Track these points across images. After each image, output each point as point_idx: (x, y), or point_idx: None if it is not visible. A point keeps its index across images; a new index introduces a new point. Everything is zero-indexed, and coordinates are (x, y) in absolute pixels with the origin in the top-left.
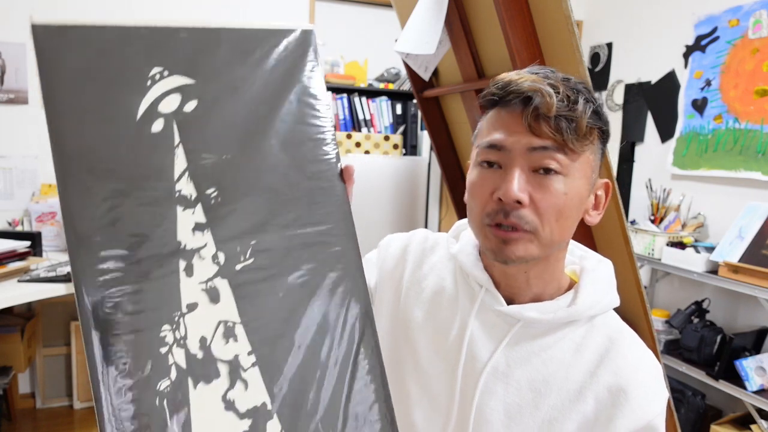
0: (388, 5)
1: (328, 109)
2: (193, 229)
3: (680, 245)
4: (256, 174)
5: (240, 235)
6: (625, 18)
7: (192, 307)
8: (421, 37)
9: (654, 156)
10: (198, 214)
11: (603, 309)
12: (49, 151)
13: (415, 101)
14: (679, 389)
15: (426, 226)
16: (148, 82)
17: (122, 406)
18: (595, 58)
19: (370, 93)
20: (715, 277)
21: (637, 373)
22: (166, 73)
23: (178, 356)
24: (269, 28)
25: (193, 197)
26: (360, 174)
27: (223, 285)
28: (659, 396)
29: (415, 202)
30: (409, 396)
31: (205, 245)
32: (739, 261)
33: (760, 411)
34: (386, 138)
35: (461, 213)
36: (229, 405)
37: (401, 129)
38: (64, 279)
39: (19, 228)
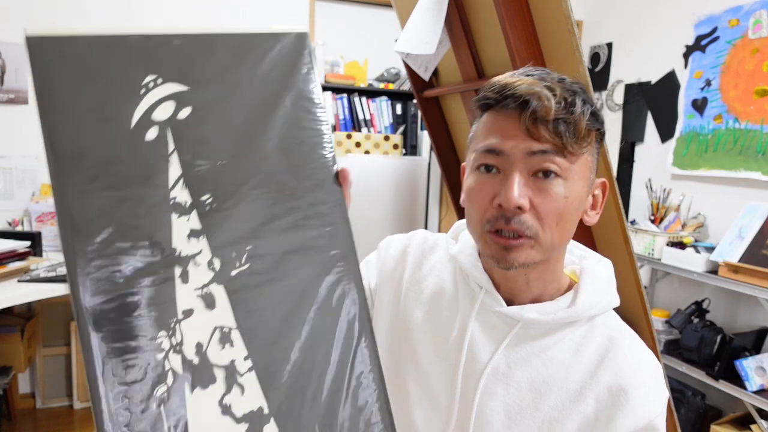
0: (388, 5)
1: (323, 112)
2: (189, 236)
3: (680, 245)
4: (251, 179)
5: (235, 241)
6: (625, 18)
7: (188, 313)
8: (421, 37)
9: (654, 156)
10: (193, 221)
11: (603, 309)
12: None
13: (415, 101)
14: (679, 389)
15: (426, 227)
16: (142, 90)
17: (120, 411)
18: (595, 58)
19: (370, 93)
20: (715, 277)
21: (637, 373)
22: (159, 80)
23: (175, 362)
24: (263, 33)
25: (187, 204)
26: (360, 174)
27: (218, 291)
28: (659, 396)
29: (415, 202)
30: (410, 397)
31: (201, 252)
32: (739, 261)
33: (760, 411)
34: (386, 138)
35: (461, 213)
36: (226, 410)
37: (401, 129)
38: (64, 279)
39: (19, 228)
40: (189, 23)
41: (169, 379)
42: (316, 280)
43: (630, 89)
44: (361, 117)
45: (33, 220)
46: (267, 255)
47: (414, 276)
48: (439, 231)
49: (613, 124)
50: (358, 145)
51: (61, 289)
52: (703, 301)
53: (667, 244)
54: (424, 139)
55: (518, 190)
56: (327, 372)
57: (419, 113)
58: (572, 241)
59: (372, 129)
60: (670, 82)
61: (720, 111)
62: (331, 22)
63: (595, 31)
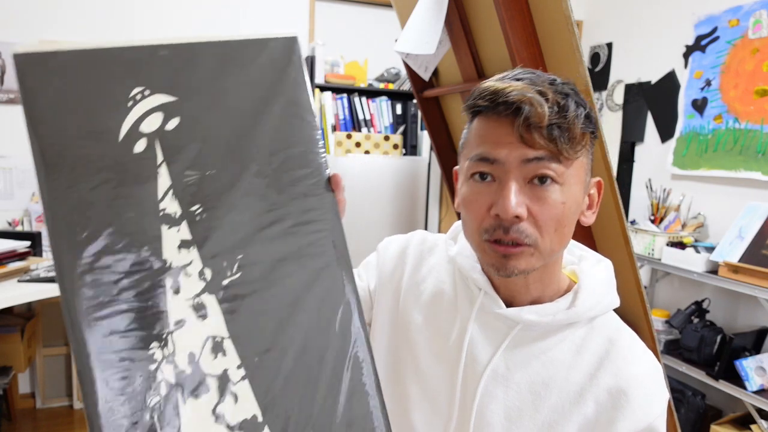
0: (388, 5)
1: (314, 117)
2: (179, 247)
3: (680, 245)
4: (241, 188)
5: (226, 250)
6: (625, 18)
7: (180, 323)
8: (421, 37)
9: (654, 156)
10: (183, 232)
11: (603, 310)
12: None
13: (415, 101)
14: (679, 389)
15: (426, 227)
16: (130, 103)
17: (114, 422)
18: (595, 58)
19: (370, 93)
20: (715, 277)
21: (637, 374)
22: (147, 92)
23: (167, 372)
24: (250, 39)
25: (177, 215)
26: (360, 174)
27: (210, 300)
28: (660, 397)
29: (415, 202)
30: (409, 398)
31: (191, 262)
32: (739, 261)
33: (760, 411)
34: (386, 138)
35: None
36: (220, 418)
37: (401, 129)
38: None
39: (19, 228)
40: (189, 24)
41: (162, 390)
42: (309, 287)
43: (630, 89)
44: (361, 117)
45: (33, 220)
46: (259, 263)
47: (413, 277)
48: (439, 231)
49: (613, 124)
50: (358, 145)
51: None
52: (703, 301)
53: (667, 244)
54: (424, 139)
55: (515, 199)
56: (321, 379)
57: (419, 113)
58: (572, 241)
59: (372, 129)
60: (670, 82)
61: (720, 111)
62: (331, 22)
63: (595, 31)
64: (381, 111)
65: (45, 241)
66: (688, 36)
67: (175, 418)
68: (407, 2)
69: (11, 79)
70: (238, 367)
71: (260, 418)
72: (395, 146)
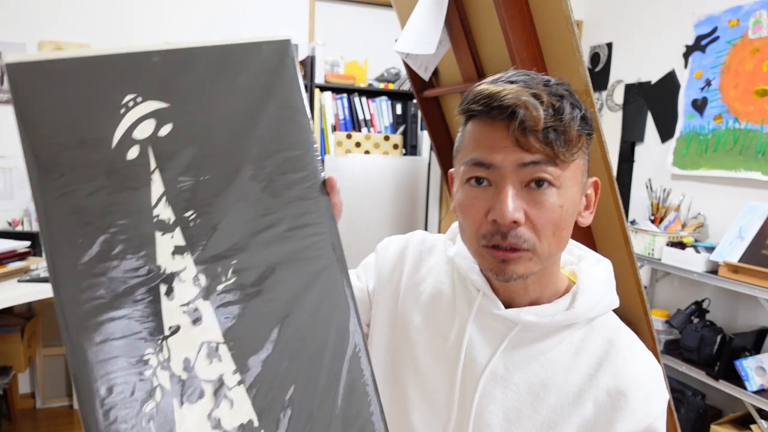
0: (388, 5)
1: (309, 120)
2: (173, 253)
3: (680, 245)
4: (235, 193)
5: (220, 256)
6: (625, 18)
7: (174, 329)
8: (421, 37)
9: (654, 156)
10: (177, 238)
11: (602, 311)
12: None
13: (415, 101)
14: (679, 389)
15: (426, 227)
16: (122, 110)
17: (111, 428)
18: (595, 58)
19: (370, 93)
20: (715, 277)
21: (636, 375)
22: (139, 99)
23: (163, 378)
24: (243, 43)
25: (171, 221)
26: (360, 174)
27: (204, 306)
28: (659, 398)
29: (415, 202)
30: (408, 399)
31: (185, 268)
32: (739, 261)
33: (760, 411)
34: (386, 138)
35: None
36: (216, 424)
37: (401, 129)
38: None
39: (19, 228)
40: (188, 24)
41: (158, 396)
42: (304, 291)
43: (630, 89)
44: (361, 117)
45: (33, 220)
46: (253, 268)
47: (412, 278)
48: (439, 231)
49: (613, 124)
50: (358, 145)
51: None
52: (703, 301)
53: (667, 244)
54: (424, 139)
55: (512, 204)
56: (318, 383)
57: (419, 113)
58: (571, 241)
59: (372, 129)
60: (670, 82)
61: (720, 111)
62: (331, 22)
63: (595, 31)
64: (381, 111)
65: None
66: (688, 36)
67: (170, 423)
68: (407, 2)
69: None
70: (234, 372)
71: (256, 423)
72: (395, 146)
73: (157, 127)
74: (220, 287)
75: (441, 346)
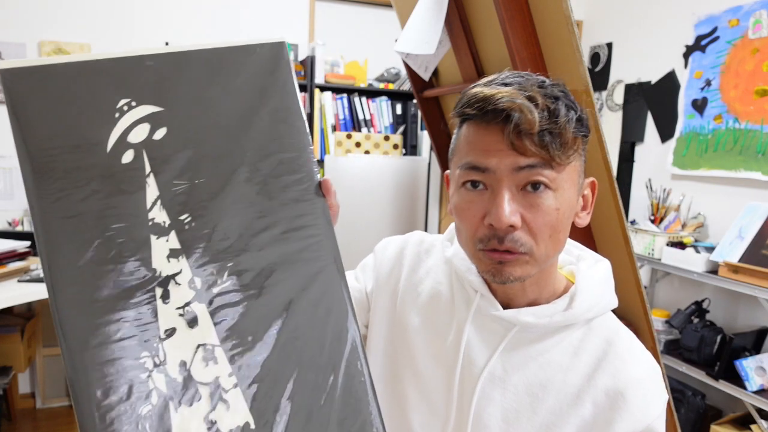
0: (388, 5)
1: (304, 122)
2: (168, 256)
3: (680, 245)
4: (230, 196)
5: (216, 259)
6: (625, 18)
7: (170, 332)
8: (421, 37)
9: (654, 156)
10: (172, 241)
11: (600, 311)
12: None
13: (415, 101)
14: (679, 389)
15: (426, 227)
16: (117, 114)
17: (106, 431)
18: (595, 58)
19: (370, 93)
20: (715, 277)
21: (635, 376)
22: (133, 103)
23: (159, 381)
24: (237, 46)
25: (166, 224)
26: (360, 174)
27: (200, 309)
28: (658, 398)
29: (415, 202)
30: (407, 401)
31: (181, 271)
32: (739, 261)
33: (760, 411)
34: (386, 138)
35: None
36: (212, 426)
37: (401, 129)
38: None
39: (19, 228)
40: (188, 24)
41: (154, 398)
42: (302, 293)
43: (630, 89)
44: (361, 117)
45: None
46: (249, 270)
47: (410, 279)
48: (439, 231)
49: (613, 124)
50: (358, 145)
51: None
52: (703, 301)
53: (667, 244)
54: (424, 139)
55: (508, 208)
56: (315, 384)
57: (419, 113)
58: (570, 241)
59: (372, 129)
60: (670, 82)
61: (720, 111)
62: (331, 22)
63: (595, 31)
64: (381, 111)
65: None
66: (688, 36)
67: (167, 426)
68: (407, 2)
69: None
70: (230, 374)
71: (253, 425)
72: (395, 146)
73: (152, 131)
74: (216, 290)
75: (439, 347)
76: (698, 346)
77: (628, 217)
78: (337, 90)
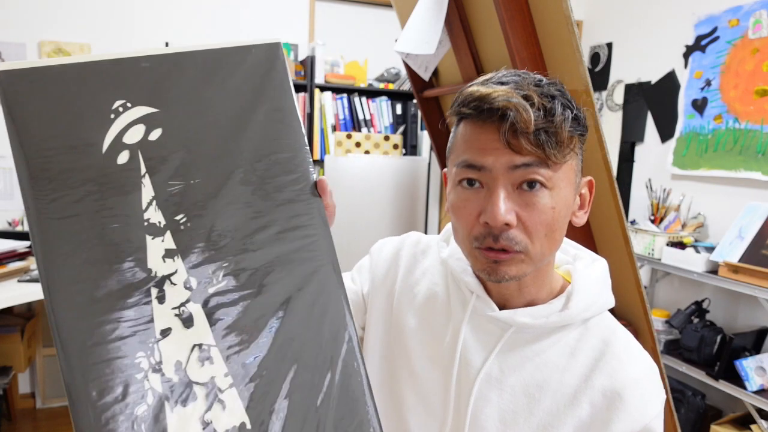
0: (388, 5)
1: (299, 122)
2: (164, 257)
3: (680, 245)
4: (225, 196)
5: (211, 259)
6: (625, 18)
7: (165, 332)
8: (421, 37)
9: (654, 156)
10: (168, 241)
11: (597, 311)
12: None
13: (415, 101)
14: (679, 389)
15: (426, 227)
16: (112, 116)
17: (102, 431)
18: (595, 58)
19: (370, 93)
20: (715, 277)
21: (632, 376)
22: (129, 104)
23: (154, 381)
24: (232, 47)
25: (162, 224)
26: (360, 174)
27: (196, 309)
28: (656, 398)
29: (415, 202)
30: (404, 402)
31: (176, 271)
32: (739, 261)
33: (760, 411)
34: (386, 138)
35: None
36: (207, 426)
37: (401, 129)
38: None
39: (19, 228)
40: (188, 24)
41: (149, 398)
42: (297, 294)
43: (630, 89)
44: (361, 117)
45: None
46: (245, 270)
47: (406, 280)
48: (439, 231)
49: (613, 124)
50: (358, 145)
51: None
52: (703, 301)
53: (667, 244)
54: (424, 139)
55: (504, 207)
56: (312, 384)
57: (419, 113)
58: (567, 240)
59: (372, 129)
60: (670, 82)
61: (720, 111)
62: (331, 22)
63: (595, 31)
64: (381, 111)
65: None
66: (688, 36)
67: (162, 426)
68: (407, 2)
69: None
70: (225, 375)
71: (249, 426)
72: (395, 146)
73: (147, 132)
74: (211, 290)
75: (436, 348)
76: (698, 346)
77: (628, 217)
78: (337, 90)
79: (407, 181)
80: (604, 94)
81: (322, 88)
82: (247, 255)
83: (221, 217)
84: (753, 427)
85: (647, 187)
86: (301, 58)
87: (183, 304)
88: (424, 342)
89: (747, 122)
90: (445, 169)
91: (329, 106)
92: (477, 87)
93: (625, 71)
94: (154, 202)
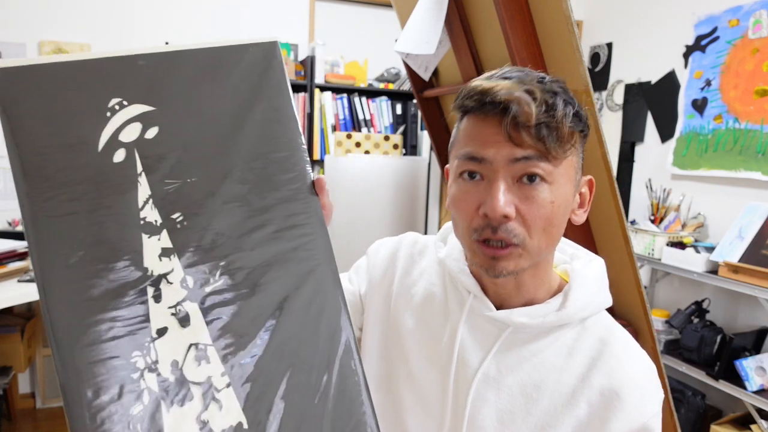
0: (388, 5)
1: (296, 122)
2: (160, 255)
3: (680, 245)
4: (222, 195)
5: (208, 258)
6: (625, 18)
7: (162, 332)
8: (421, 37)
9: (654, 156)
10: (164, 240)
11: (595, 311)
12: None
13: (415, 101)
14: (679, 389)
15: (426, 227)
16: (108, 114)
17: (97, 431)
18: (595, 58)
19: (370, 93)
20: (715, 277)
21: (630, 374)
22: (125, 102)
23: (150, 381)
24: (229, 46)
25: (158, 223)
26: (360, 174)
27: (192, 308)
28: (654, 397)
29: (415, 202)
30: (402, 403)
31: (173, 270)
32: (739, 261)
33: (760, 411)
34: (386, 138)
35: None
36: (204, 426)
37: (401, 129)
38: None
39: (19, 228)
40: (188, 23)
41: (145, 398)
42: (293, 293)
43: (630, 89)
44: (361, 117)
45: None
46: (241, 269)
47: (404, 281)
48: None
49: (613, 124)
50: (358, 145)
51: None
52: (703, 301)
53: (667, 244)
54: (424, 139)
55: (503, 199)
56: (309, 383)
57: (419, 113)
58: (564, 239)
59: (372, 129)
60: (670, 82)
61: (720, 111)
62: (331, 22)
63: (595, 31)
64: (381, 111)
65: None
66: (688, 36)
67: (158, 426)
68: (407, 2)
69: None
70: (222, 374)
71: (246, 426)
72: (395, 146)
73: (144, 130)
74: (208, 289)
75: (433, 349)
76: (698, 346)
77: (628, 217)
78: (337, 90)
79: (407, 181)
80: (604, 94)
81: (322, 88)
82: (244, 254)
83: (218, 216)
84: (753, 427)
85: (647, 187)
86: (301, 58)
87: (179, 303)
88: (422, 342)
89: (747, 122)
90: (447, 165)
91: (329, 106)
92: (480, 81)
93: (625, 71)
94: (151, 201)
